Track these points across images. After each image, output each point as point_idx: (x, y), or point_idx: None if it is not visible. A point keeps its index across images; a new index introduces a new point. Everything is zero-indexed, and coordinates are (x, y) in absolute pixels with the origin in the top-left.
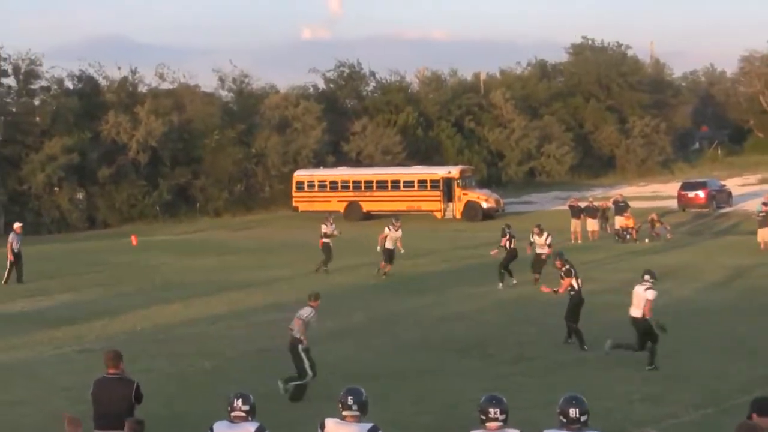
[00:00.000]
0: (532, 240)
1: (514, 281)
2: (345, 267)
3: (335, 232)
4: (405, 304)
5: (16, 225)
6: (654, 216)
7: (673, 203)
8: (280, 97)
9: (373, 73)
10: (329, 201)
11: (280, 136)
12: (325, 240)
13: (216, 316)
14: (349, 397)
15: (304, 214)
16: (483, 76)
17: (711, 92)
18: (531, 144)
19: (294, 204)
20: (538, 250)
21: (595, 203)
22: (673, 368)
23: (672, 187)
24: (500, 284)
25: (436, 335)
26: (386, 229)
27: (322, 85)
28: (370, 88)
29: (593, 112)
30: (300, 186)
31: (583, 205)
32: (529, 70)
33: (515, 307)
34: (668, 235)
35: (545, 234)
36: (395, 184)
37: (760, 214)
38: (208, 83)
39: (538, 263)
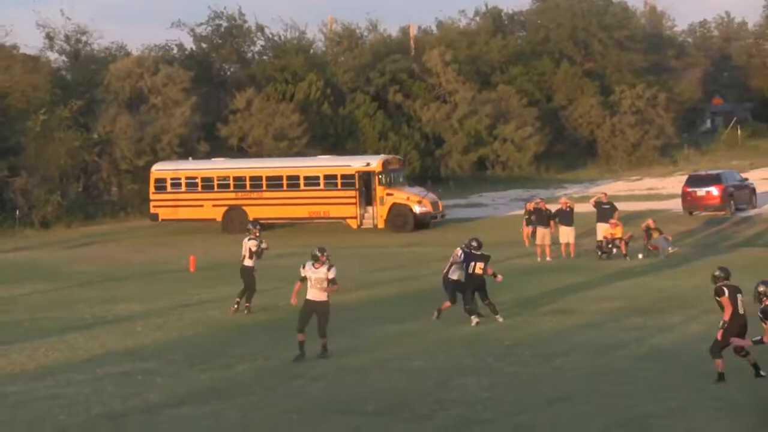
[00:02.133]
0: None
1: (500, 318)
2: (219, 298)
3: (264, 247)
4: (307, 350)
5: None
6: (650, 222)
7: (677, 204)
8: (132, 62)
9: (261, 28)
10: (201, 206)
11: (133, 116)
12: (247, 264)
13: (45, 369)
14: None
15: (167, 225)
16: (414, 31)
17: (727, 52)
18: (481, 124)
19: (152, 210)
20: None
21: (569, 204)
22: None
23: (674, 182)
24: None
25: (348, 392)
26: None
27: (190, 44)
28: (257, 48)
29: (566, 80)
30: (160, 185)
31: (553, 209)
32: (477, 23)
33: (458, 351)
34: (669, 248)
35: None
36: (293, 182)
37: None
38: (30, 42)
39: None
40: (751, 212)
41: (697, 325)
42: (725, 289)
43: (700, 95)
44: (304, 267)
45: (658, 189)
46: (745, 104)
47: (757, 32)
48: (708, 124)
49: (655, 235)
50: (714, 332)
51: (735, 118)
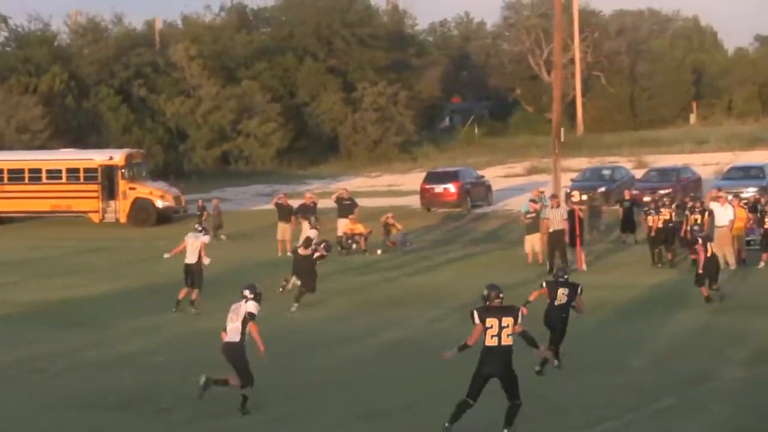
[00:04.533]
0: None
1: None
2: None
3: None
4: (50, 344)
5: None
6: (389, 218)
7: (416, 200)
8: None
9: (4, 19)
10: None
11: None
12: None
13: None
14: None
15: None
16: (159, 25)
17: (466, 51)
18: (225, 119)
19: None
20: None
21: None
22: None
23: (414, 179)
24: None
25: (89, 387)
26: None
27: None
28: (0, 39)
29: (310, 76)
30: None
31: (295, 204)
32: (222, 18)
33: (200, 345)
34: (408, 244)
35: None
36: (35, 175)
37: (528, 216)
38: None
39: None
40: (487, 209)
41: (420, 321)
42: (475, 314)
43: (440, 93)
44: None
45: (398, 185)
46: (482, 103)
47: (494, 32)
48: (447, 121)
49: (394, 230)
50: (444, 329)
51: (473, 116)
